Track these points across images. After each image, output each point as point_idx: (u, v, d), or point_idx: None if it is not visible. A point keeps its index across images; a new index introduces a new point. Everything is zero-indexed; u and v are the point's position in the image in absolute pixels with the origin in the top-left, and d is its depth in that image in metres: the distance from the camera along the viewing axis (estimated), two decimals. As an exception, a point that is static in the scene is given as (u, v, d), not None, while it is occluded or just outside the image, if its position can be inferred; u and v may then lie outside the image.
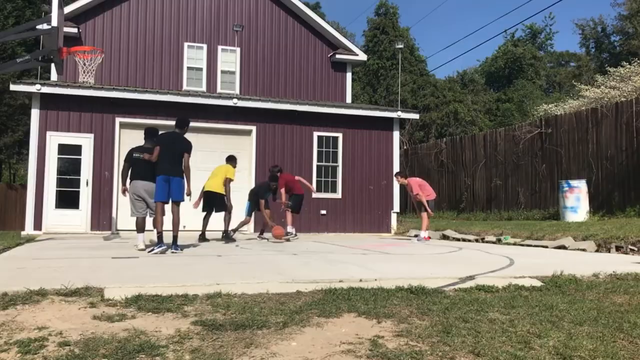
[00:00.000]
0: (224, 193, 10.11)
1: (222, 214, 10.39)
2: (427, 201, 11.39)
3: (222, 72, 15.83)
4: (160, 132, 8.20)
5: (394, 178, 12.44)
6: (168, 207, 7.75)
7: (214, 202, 10.16)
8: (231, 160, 10.66)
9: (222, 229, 10.58)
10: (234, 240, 10.44)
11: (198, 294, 4.05)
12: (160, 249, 7.38)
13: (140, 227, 8.14)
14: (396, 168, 15.12)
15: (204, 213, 10.28)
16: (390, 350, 2.75)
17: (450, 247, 9.86)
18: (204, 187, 10.28)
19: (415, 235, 12.19)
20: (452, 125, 29.88)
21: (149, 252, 7.48)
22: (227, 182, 10.15)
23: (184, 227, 13.24)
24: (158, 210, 7.58)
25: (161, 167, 7.58)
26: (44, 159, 12.41)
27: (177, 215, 7.68)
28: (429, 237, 11.67)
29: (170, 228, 7.72)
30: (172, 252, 7.43)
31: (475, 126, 30.30)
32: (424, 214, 11.45)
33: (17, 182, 24.99)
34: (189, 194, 7.80)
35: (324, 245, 9.85)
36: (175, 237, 7.64)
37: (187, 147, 7.73)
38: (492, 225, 12.64)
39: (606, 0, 71.64)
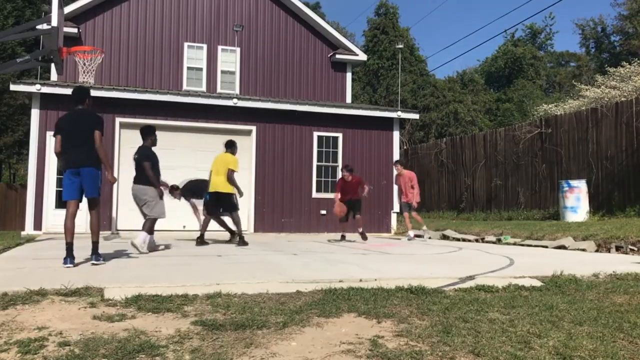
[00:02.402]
0: (231, 191, 8.86)
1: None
2: (406, 203, 11.75)
3: (222, 72, 15.82)
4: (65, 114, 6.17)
5: (394, 166, 12.39)
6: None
7: (221, 203, 9.06)
8: (230, 146, 9.13)
9: (233, 229, 9.59)
10: (246, 243, 9.17)
11: (198, 294, 4.05)
12: (66, 264, 5.58)
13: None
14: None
15: (207, 213, 9.20)
16: (390, 350, 2.75)
17: (450, 247, 9.85)
18: (209, 187, 9.12)
19: (417, 235, 12.29)
20: (452, 125, 29.87)
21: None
22: (231, 174, 8.82)
23: (184, 227, 13.27)
24: (68, 212, 5.89)
25: (66, 158, 5.82)
26: (44, 159, 12.41)
27: (96, 217, 6.04)
28: (415, 237, 11.96)
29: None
30: (93, 264, 5.83)
31: (475, 126, 30.31)
32: (415, 214, 11.86)
33: (17, 182, 24.99)
34: (113, 182, 6.19)
35: (324, 245, 9.86)
36: (95, 244, 5.95)
37: (96, 122, 5.87)
38: (492, 225, 12.64)
39: (606, 0, 71.69)
